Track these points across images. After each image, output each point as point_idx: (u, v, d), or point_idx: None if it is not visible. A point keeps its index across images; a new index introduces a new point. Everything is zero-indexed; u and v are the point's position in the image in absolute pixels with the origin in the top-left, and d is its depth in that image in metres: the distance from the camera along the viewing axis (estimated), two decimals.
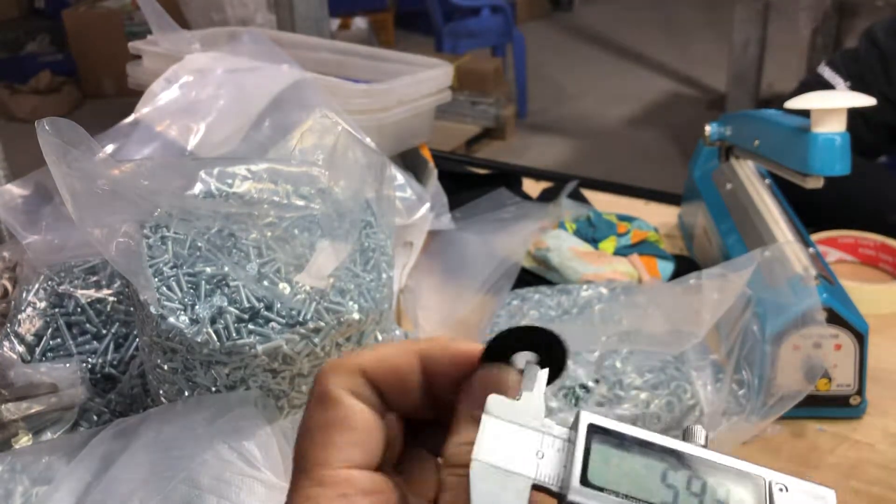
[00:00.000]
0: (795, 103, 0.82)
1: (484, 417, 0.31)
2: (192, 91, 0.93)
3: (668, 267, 1.00)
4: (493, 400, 0.31)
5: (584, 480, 0.30)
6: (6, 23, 4.95)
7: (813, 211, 0.99)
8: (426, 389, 0.33)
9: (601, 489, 0.30)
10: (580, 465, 0.30)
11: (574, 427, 0.31)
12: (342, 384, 0.31)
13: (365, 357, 0.32)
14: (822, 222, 1.03)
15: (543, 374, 0.33)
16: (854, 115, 0.81)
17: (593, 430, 0.31)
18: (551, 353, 0.33)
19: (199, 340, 0.66)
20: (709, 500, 0.30)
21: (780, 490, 0.31)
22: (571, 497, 0.30)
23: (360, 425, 0.31)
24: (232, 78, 0.95)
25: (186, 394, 0.69)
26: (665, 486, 0.30)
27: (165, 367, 0.69)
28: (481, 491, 0.29)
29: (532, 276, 1.00)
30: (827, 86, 1.21)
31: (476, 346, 0.33)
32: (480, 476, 0.30)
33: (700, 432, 0.32)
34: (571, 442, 0.31)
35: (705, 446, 0.32)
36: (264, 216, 0.72)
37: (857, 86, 1.19)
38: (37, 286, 0.75)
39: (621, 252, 1.02)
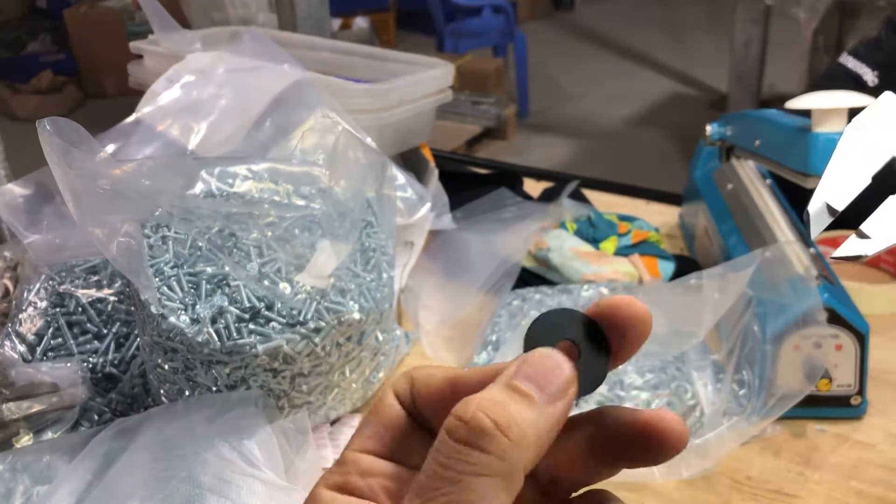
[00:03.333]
0: (796, 103, 0.82)
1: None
2: (194, 91, 0.93)
3: (668, 267, 1.00)
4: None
5: None
6: (8, 22, 4.96)
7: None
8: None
9: None
10: None
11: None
12: (393, 385, 0.34)
13: (424, 370, 0.34)
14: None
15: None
16: None
17: None
18: (595, 336, 0.33)
19: (199, 340, 0.66)
20: None
21: None
22: None
23: (383, 419, 0.33)
24: (233, 77, 0.95)
25: (187, 393, 0.70)
26: None
27: (166, 367, 0.69)
28: (851, 142, 0.35)
29: (533, 276, 1.00)
30: (853, 76, 1.19)
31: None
32: (854, 133, 0.36)
33: None
34: None
35: None
36: (265, 216, 0.72)
37: (884, 74, 1.17)
38: (38, 286, 0.75)
39: (622, 252, 1.02)
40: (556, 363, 0.31)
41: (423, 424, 0.33)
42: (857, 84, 1.18)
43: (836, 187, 0.36)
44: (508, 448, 0.28)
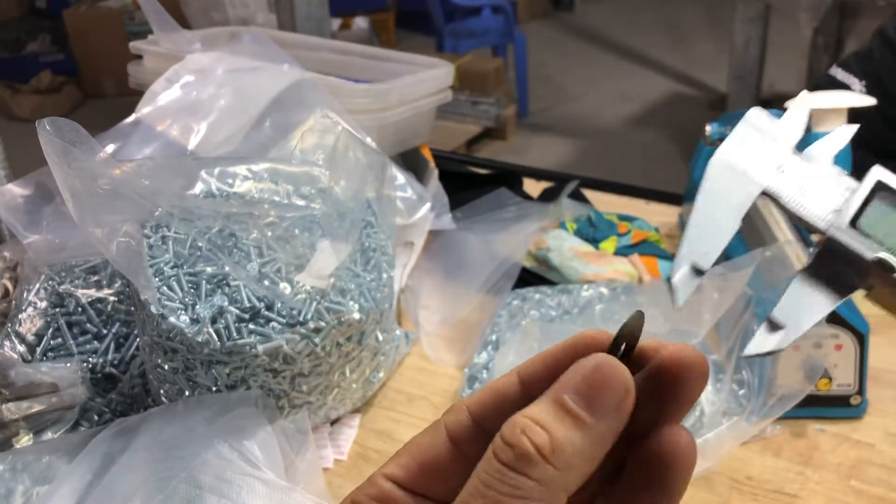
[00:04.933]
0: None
1: (739, 124, 0.32)
2: (193, 91, 0.93)
3: (668, 267, 1.00)
4: (753, 111, 0.33)
5: (854, 223, 0.31)
6: (7, 23, 4.95)
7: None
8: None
9: (867, 235, 0.31)
10: (855, 209, 0.31)
11: (860, 178, 0.32)
12: (446, 418, 0.33)
13: (477, 394, 0.33)
14: None
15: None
16: (872, 115, 0.80)
17: (881, 186, 0.31)
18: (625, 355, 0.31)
19: (199, 340, 0.66)
20: None
21: None
22: (833, 233, 0.31)
23: (418, 450, 0.33)
24: (233, 78, 0.95)
25: (187, 393, 0.70)
26: None
27: (166, 367, 0.69)
28: (711, 187, 0.31)
29: (533, 276, 1.00)
30: (842, 87, 1.20)
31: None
32: (715, 174, 0.31)
33: None
34: (851, 190, 0.32)
35: None
36: (265, 216, 0.72)
37: (872, 84, 1.18)
38: (38, 286, 0.75)
39: (622, 252, 1.02)
40: (609, 373, 0.28)
41: (473, 456, 0.31)
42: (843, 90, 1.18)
43: (699, 243, 0.32)
44: (552, 475, 0.27)
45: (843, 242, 0.31)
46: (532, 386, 0.31)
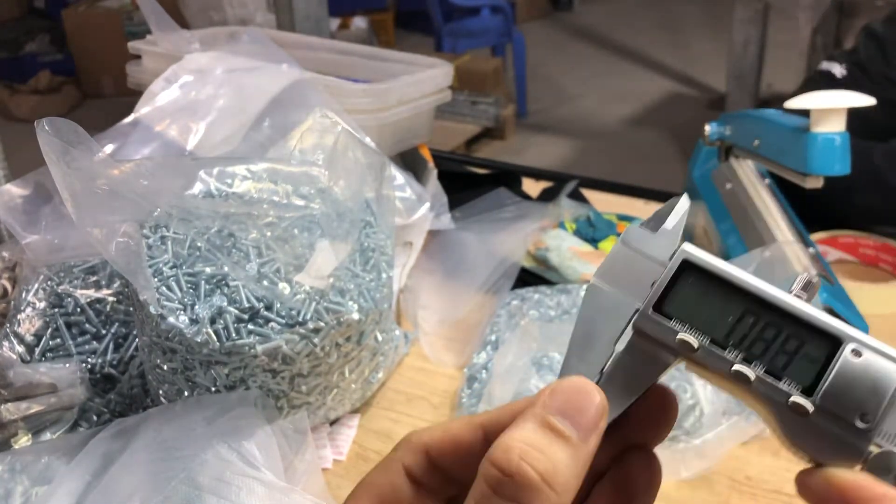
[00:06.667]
0: (795, 103, 0.82)
1: (616, 245, 0.33)
2: (192, 91, 0.93)
3: None
4: (630, 229, 0.33)
5: (658, 307, 0.31)
6: (6, 23, 4.95)
7: (811, 208, 0.99)
8: None
9: (670, 317, 0.31)
10: (658, 294, 0.32)
11: (671, 258, 0.33)
12: (403, 457, 0.33)
13: (433, 432, 0.34)
14: (819, 216, 1.03)
15: (684, 204, 0.34)
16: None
17: (686, 265, 0.32)
18: None
19: (198, 340, 0.66)
20: (775, 347, 0.30)
21: (854, 353, 0.30)
22: (637, 319, 0.32)
23: (375, 491, 0.33)
24: (231, 78, 0.95)
25: (186, 394, 0.69)
26: (737, 326, 0.31)
27: (165, 368, 0.69)
28: (588, 308, 0.32)
29: (532, 276, 1.00)
30: (826, 75, 1.22)
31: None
32: (593, 295, 0.32)
33: (811, 284, 0.32)
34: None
35: (806, 299, 0.31)
36: (264, 216, 0.72)
37: (854, 69, 1.20)
38: (36, 286, 0.75)
39: None
40: (591, 394, 0.30)
41: (434, 490, 0.33)
42: (827, 78, 1.20)
43: (578, 360, 0.33)
44: (555, 501, 0.28)
45: (644, 329, 0.31)
46: (495, 436, 0.31)
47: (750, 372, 0.30)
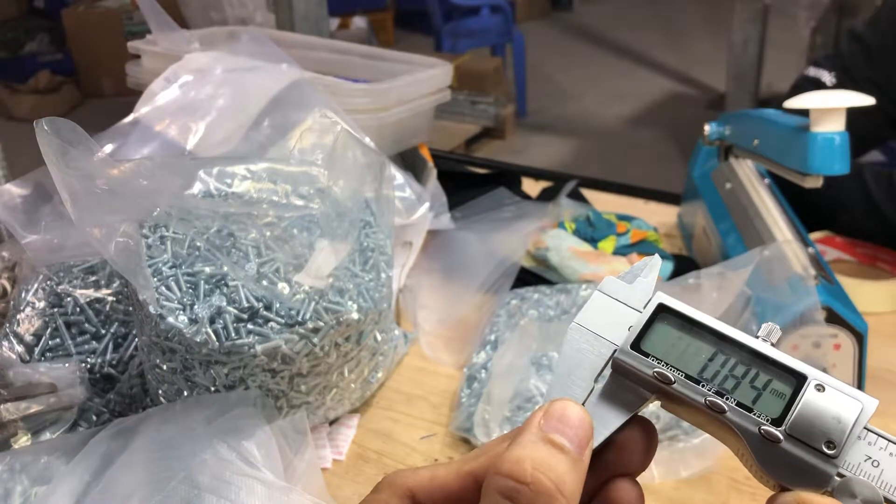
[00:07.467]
0: (794, 103, 0.82)
1: (594, 293, 0.37)
2: (192, 91, 0.93)
3: (667, 266, 1.00)
4: (607, 280, 0.37)
5: (636, 346, 0.35)
6: (5, 22, 4.95)
7: (809, 210, 0.99)
8: None
9: (647, 355, 0.34)
10: (636, 333, 0.35)
11: (645, 306, 0.36)
12: (388, 501, 0.34)
13: (419, 477, 0.35)
14: (817, 219, 1.03)
15: (657, 262, 0.38)
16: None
17: (662, 308, 0.36)
18: None
19: (198, 340, 0.66)
20: (745, 383, 0.33)
21: (818, 388, 0.33)
22: (618, 355, 0.35)
23: None
24: (231, 77, 0.95)
25: (185, 393, 0.69)
26: (709, 364, 0.34)
27: (164, 367, 0.69)
28: (570, 348, 0.35)
29: (531, 276, 1.00)
30: (814, 81, 1.22)
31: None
32: (574, 336, 0.36)
33: (774, 331, 0.35)
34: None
35: (773, 344, 0.35)
36: (263, 216, 0.72)
37: (841, 76, 1.20)
38: (36, 286, 0.75)
39: (620, 251, 1.02)
40: (581, 414, 0.32)
41: None
42: (817, 86, 1.20)
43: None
44: None
45: (624, 365, 0.35)
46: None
47: (724, 403, 0.33)
